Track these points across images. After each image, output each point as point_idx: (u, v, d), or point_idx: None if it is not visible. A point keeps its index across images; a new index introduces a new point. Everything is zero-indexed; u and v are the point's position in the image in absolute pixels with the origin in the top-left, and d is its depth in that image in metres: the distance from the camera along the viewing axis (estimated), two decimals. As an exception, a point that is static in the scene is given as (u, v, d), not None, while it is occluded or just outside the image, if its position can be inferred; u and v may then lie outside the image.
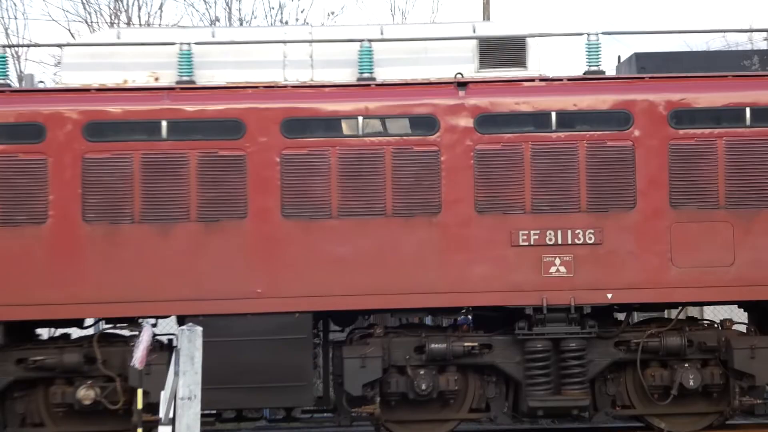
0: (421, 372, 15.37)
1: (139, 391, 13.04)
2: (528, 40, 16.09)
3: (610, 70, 16.68)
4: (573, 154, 15.20)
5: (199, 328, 11.77)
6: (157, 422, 12.42)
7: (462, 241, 15.16)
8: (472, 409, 15.85)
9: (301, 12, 30.98)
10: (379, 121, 15.30)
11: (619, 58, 17.20)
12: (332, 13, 31.24)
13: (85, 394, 15.14)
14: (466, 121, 15.21)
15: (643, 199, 15.17)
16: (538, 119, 15.32)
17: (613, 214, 15.18)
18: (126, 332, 15.64)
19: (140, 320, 15.34)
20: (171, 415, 11.75)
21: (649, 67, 16.04)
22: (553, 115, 15.25)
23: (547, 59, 17.34)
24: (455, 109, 15.25)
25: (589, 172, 15.15)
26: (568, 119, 15.30)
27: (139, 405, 13.06)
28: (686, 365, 15.38)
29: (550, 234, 15.14)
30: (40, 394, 15.36)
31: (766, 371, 15.26)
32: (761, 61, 16.12)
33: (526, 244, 15.14)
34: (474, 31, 16.20)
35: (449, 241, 15.16)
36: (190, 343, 11.62)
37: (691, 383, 15.22)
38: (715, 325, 15.93)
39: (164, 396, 12.13)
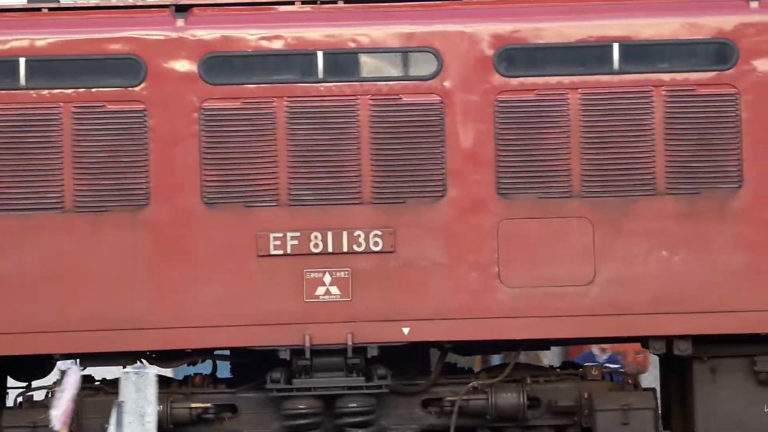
0: None
1: None
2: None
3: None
4: (351, 114, 10.62)
5: (152, 371, 9.93)
6: None
7: (182, 248, 10.71)
8: None
9: None
10: (54, 64, 10.65)
11: None
12: None
13: None
14: (187, 65, 10.62)
15: (457, 183, 10.66)
16: (299, 62, 10.81)
17: (411, 207, 10.67)
18: None
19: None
20: None
21: None
22: (320, 55, 10.64)
23: None
24: (171, 46, 10.65)
25: (374, 142, 10.61)
26: (343, 62, 10.79)
27: None
28: None
29: (316, 237, 10.64)
30: None
31: (644, 445, 10.74)
32: None
33: (281, 252, 10.69)
34: None
35: (162, 249, 10.70)
36: (139, 393, 9.68)
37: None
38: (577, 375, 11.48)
39: None
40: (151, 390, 9.70)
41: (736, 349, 10.86)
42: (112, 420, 9.83)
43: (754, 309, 10.52)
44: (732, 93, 10.41)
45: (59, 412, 10.10)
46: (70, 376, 10.28)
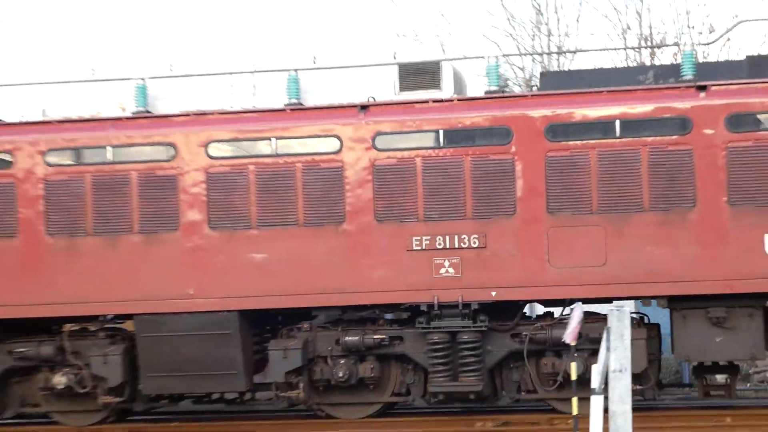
0: (341, 361, 17.20)
1: (573, 364, 13.99)
2: (442, 63, 17.56)
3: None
4: (459, 167, 16.62)
5: (627, 309, 12.79)
6: None
7: (364, 247, 16.92)
8: (395, 393, 17.66)
9: (707, 17, 30.67)
10: (292, 141, 17.15)
11: (541, 75, 18.70)
12: None
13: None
14: (365, 140, 16.87)
15: (523, 206, 16.48)
16: (428, 137, 16.80)
17: (496, 221, 16.57)
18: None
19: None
20: (603, 386, 12.55)
21: (554, 83, 17.46)
22: (441, 132, 16.70)
23: (468, 79, 18.45)
24: (356, 130, 16.92)
25: (473, 182, 16.57)
26: (455, 136, 16.73)
27: (573, 376, 13.90)
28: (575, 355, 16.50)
29: (439, 239, 16.63)
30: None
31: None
32: (655, 75, 17.12)
33: (419, 248, 16.67)
34: (394, 58, 17.81)
35: (353, 248, 16.93)
36: (620, 322, 12.52)
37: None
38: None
39: (597, 368, 12.98)
40: (627, 320, 12.30)
41: (697, 303, 16.32)
42: (604, 338, 12.49)
43: (705, 279, 16.07)
44: (688, 149, 16.17)
45: (570, 331, 13.55)
46: (576, 311, 13.73)
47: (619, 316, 12.45)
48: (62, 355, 17.84)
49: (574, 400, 13.19)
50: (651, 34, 30.57)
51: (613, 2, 32.39)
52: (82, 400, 17.98)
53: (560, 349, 16.64)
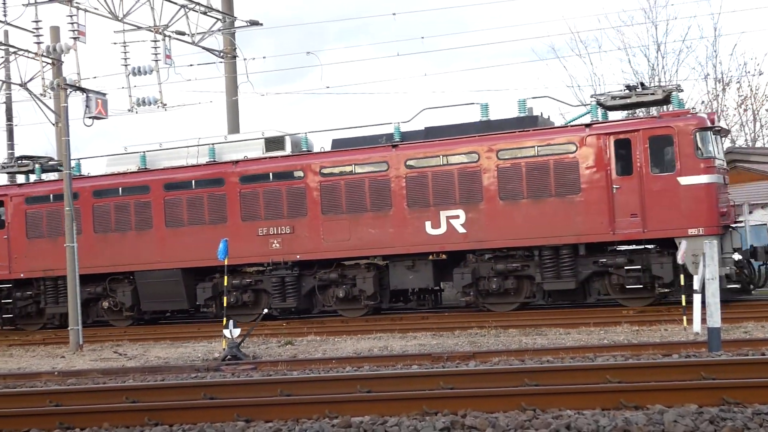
0: (234, 293, 30.88)
1: (682, 276, 21.23)
2: (285, 137, 31.06)
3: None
4: (279, 192, 29.96)
5: (715, 242, 16.17)
6: None
7: (234, 233, 30.58)
8: (265, 307, 30.59)
9: None
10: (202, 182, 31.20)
11: (333, 141, 31.11)
12: None
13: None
14: (235, 180, 30.55)
15: (310, 210, 29.61)
16: (266, 176, 30.32)
17: (298, 218, 29.78)
18: None
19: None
20: (701, 288, 16.71)
21: (339, 144, 30.22)
22: (271, 174, 30.22)
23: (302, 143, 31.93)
24: (231, 174, 30.64)
25: (287, 199, 29.85)
26: (280, 174, 30.05)
27: (682, 282, 21.02)
28: (341, 286, 29.81)
29: (272, 229, 30.12)
30: None
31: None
32: (386, 138, 29.73)
33: (263, 234, 30.37)
34: (263, 135, 31.56)
35: (233, 235, 30.83)
36: (711, 250, 15.41)
37: (341, 294, 29.65)
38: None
39: (697, 278, 17.59)
40: (716, 248, 15.11)
41: (399, 258, 29.31)
42: (702, 259, 15.49)
43: (399, 245, 28.76)
44: (387, 179, 29.52)
45: (680, 255, 18.90)
46: (682, 244, 19.02)
47: (710, 246, 15.71)
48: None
49: (683, 297, 20.96)
50: None
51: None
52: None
53: (338, 283, 29.84)
